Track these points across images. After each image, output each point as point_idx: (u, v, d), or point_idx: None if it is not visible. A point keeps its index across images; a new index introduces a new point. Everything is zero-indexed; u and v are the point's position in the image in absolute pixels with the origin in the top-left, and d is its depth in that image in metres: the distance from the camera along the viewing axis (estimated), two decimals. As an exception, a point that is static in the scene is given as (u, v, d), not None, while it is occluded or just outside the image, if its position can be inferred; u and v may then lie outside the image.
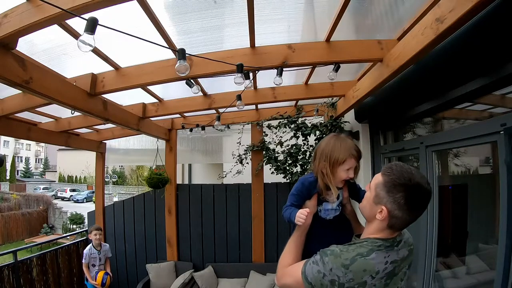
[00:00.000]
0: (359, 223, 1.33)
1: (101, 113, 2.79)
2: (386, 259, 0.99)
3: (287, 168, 4.12)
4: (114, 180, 25.85)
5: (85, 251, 3.74)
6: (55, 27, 1.79)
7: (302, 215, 1.20)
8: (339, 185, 1.27)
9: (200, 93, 3.31)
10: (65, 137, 3.94)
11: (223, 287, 4.08)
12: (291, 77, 3.12)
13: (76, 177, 34.36)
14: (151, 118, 3.90)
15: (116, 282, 4.41)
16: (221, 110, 3.74)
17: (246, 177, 4.38)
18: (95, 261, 3.73)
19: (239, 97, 2.72)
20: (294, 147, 4.07)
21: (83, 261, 3.71)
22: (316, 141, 4.04)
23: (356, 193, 1.35)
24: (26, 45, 1.98)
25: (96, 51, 2.18)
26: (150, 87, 3.08)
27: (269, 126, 4.21)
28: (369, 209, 1.06)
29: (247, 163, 4.34)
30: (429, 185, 0.97)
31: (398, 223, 1.00)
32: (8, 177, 30.29)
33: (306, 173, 4.04)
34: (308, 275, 1.03)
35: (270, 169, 4.18)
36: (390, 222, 1.00)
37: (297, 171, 4.14)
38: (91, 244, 3.77)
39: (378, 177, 1.04)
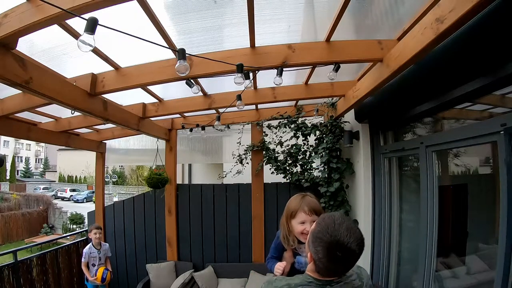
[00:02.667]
0: None
1: (101, 113, 2.79)
2: None
3: (287, 168, 4.12)
4: (114, 180, 25.84)
5: (84, 250, 3.74)
6: (55, 27, 1.79)
7: (278, 269, 1.37)
8: (301, 239, 1.35)
9: (200, 93, 3.31)
10: (65, 137, 3.94)
11: (223, 287, 4.08)
12: (291, 77, 3.12)
13: (76, 177, 34.36)
14: (151, 118, 3.89)
15: (116, 282, 4.41)
16: (221, 110, 3.74)
17: (246, 177, 4.38)
18: (95, 261, 3.72)
19: (239, 97, 2.72)
20: (294, 147, 4.07)
21: (82, 260, 3.70)
22: (316, 141, 4.04)
23: None
24: (26, 45, 1.98)
25: (96, 51, 2.18)
26: (150, 87, 3.08)
27: (269, 126, 4.21)
28: (306, 250, 1.10)
29: (247, 163, 4.34)
30: (355, 243, 0.93)
31: (322, 271, 1.02)
32: (8, 177, 30.30)
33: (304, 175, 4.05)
34: None
35: (270, 169, 4.18)
36: (316, 268, 1.03)
37: (297, 171, 4.15)
38: (91, 243, 3.77)
39: (313, 224, 1.06)
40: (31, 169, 40.15)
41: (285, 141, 4.13)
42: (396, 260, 3.11)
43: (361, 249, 0.95)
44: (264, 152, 4.27)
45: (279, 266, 1.36)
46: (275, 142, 4.16)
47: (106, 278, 3.65)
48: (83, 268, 3.68)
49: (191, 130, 4.40)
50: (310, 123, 4.00)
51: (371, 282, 1.17)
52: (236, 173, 4.25)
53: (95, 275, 3.64)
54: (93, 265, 3.72)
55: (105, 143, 4.85)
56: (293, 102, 4.10)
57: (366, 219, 3.41)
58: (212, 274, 4.17)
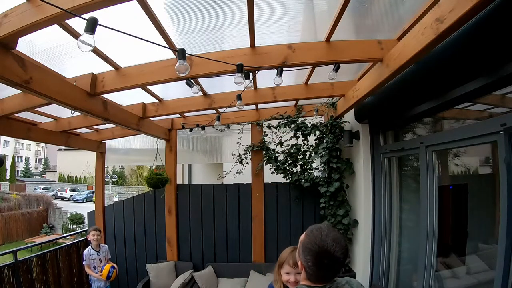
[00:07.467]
0: None
1: (101, 113, 2.79)
2: None
3: (287, 168, 4.12)
4: (114, 180, 25.84)
5: (84, 252, 3.72)
6: (55, 27, 1.79)
7: None
8: (288, 285, 1.50)
9: (200, 93, 3.31)
10: (65, 137, 3.94)
11: (223, 287, 4.08)
12: (291, 77, 3.12)
13: (76, 177, 34.35)
14: (151, 118, 3.89)
15: (116, 282, 4.40)
16: (221, 110, 3.74)
17: (246, 177, 4.38)
18: (95, 263, 3.70)
19: (239, 97, 2.72)
20: (294, 147, 4.07)
21: (84, 263, 3.68)
22: (316, 141, 4.04)
23: None
24: (26, 45, 1.98)
25: (96, 51, 2.18)
26: (150, 87, 3.08)
27: (269, 126, 4.21)
28: (297, 259, 1.22)
29: (247, 163, 4.34)
30: (340, 252, 1.06)
31: (313, 278, 1.14)
32: (8, 177, 30.28)
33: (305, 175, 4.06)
34: None
35: (270, 169, 4.18)
36: (307, 275, 1.15)
37: (297, 171, 4.15)
38: (90, 245, 3.76)
39: (303, 235, 1.17)
40: (31, 169, 40.14)
41: (285, 141, 4.13)
42: (396, 260, 3.11)
43: (345, 257, 1.09)
44: (264, 152, 4.27)
45: None
46: (275, 142, 4.16)
47: (112, 276, 3.61)
48: (87, 270, 3.65)
49: (191, 130, 4.40)
50: (310, 123, 4.00)
51: None
52: (236, 173, 4.25)
53: (101, 272, 3.61)
54: (94, 267, 3.69)
55: (105, 143, 4.85)
56: (293, 102, 4.10)
57: (366, 219, 3.41)
58: (212, 274, 4.17)
